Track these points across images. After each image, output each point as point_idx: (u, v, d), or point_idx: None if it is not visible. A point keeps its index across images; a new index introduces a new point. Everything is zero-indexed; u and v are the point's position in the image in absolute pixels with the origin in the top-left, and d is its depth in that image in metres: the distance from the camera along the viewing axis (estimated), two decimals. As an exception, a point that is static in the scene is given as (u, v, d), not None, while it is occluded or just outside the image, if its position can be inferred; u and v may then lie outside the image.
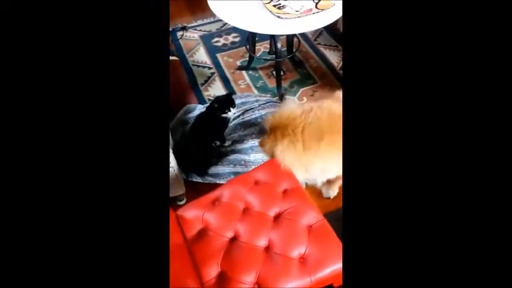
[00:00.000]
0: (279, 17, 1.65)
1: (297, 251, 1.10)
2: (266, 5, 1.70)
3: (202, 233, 1.18)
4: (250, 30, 1.72)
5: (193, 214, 1.23)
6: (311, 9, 1.67)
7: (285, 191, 1.27)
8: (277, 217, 1.20)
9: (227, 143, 1.91)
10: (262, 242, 1.14)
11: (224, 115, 1.75)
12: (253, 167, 1.84)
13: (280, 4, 1.71)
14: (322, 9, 1.66)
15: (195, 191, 1.75)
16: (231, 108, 1.74)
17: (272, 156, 1.37)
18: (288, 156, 1.32)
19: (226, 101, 1.76)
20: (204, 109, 1.95)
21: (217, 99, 1.79)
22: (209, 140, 1.84)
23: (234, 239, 1.16)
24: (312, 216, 1.18)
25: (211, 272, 1.09)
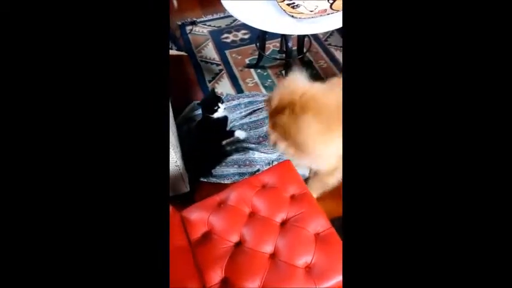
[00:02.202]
0: (292, 16, 1.61)
1: (303, 260, 1.08)
2: (280, 3, 1.67)
3: (207, 236, 1.16)
4: (262, 29, 1.69)
5: (198, 216, 1.20)
6: (326, 10, 1.63)
7: (292, 196, 1.24)
8: (284, 223, 1.17)
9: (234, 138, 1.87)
10: (267, 249, 1.11)
11: (216, 115, 1.73)
12: (258, 167, 1.82)
13: (294, 3, 1.67)
14: (337, 10, 1.62)
15: (199, 191, 1.74)
16: (219, 104, 1.72)
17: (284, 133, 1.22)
18: (308, 130, 1.17)
19: (212, 100, 1.74)
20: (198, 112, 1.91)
21: (204, 103, 1.76)
22: (214, 142, 1.81)
23: (239, 244, 1.14)
24: (320, 224, 1.16)
25: (215, 276, 1.07)
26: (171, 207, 1.15)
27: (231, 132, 1.84)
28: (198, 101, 2.11)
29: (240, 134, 1.83)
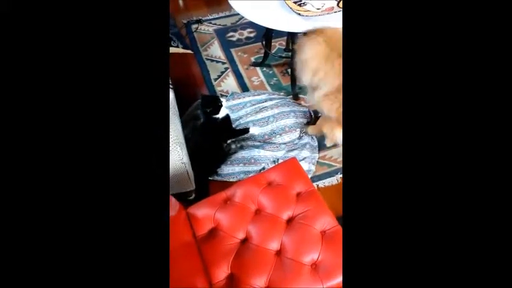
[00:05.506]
0: (299, 14, 1.61)
1: (310, 257, 1.08)
2: (286, 1, 1.66)
3: (213, 233, 1.16)
4: (269, 27, 1.69)
5: (204, 212, 1.21)
6: (333, 8, 1.63)
7: (298, 194, 1.24)
8: (290, 220, 1.17)
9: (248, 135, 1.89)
10: (274, 246, 1.11)
11: (220, 114, 1.75)
12: (263, 165, 1.82)
13: (301, 1, 1.66)
14: (344, 8, 1.62)
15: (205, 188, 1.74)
16: (222, 99, 1.76)
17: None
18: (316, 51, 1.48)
19: (212, 100, 1.76)
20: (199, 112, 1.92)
21: (206, 103, 1.77)
22: (220, 142, 1.82)
23: (245, 241, 1.14)
24: (326, 221, 1.15)
25: (221, 273, 1.07)
26: (178, 204, 1.15)
27: (246, 130, 1.86)
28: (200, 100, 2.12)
29: (255, 130, 1.86)
